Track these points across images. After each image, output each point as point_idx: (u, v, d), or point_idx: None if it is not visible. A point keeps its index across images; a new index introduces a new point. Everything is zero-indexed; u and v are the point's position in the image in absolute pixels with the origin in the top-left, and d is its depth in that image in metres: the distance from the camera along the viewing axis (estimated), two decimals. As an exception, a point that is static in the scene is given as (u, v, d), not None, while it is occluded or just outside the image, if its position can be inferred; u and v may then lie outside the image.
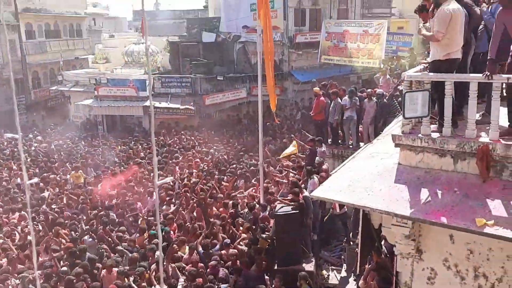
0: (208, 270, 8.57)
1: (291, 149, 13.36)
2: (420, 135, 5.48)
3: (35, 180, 11.28)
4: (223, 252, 9.25)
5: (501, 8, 5.43)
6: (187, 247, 9.49)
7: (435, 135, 5.44)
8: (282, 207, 9.55)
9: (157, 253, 8.94)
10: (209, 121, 22.93)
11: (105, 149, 19.15)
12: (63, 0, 35.37)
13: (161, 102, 22.91)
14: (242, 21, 24.84)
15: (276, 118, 12.98)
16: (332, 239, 11.32)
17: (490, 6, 6.50)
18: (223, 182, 12.83)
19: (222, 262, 8.94)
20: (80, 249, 9.44)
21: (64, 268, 8.89)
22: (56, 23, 35.10)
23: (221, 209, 11.15)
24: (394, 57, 19.31)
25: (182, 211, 11.13)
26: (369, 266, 7.25)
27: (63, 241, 10.14)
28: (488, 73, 5.11)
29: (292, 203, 9.34)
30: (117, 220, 11.15)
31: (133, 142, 20.22)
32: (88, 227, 10.65)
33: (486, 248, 4.93)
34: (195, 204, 11.20)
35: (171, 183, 12.93)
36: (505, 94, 5.46)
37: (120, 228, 10.55)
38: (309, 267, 9.21)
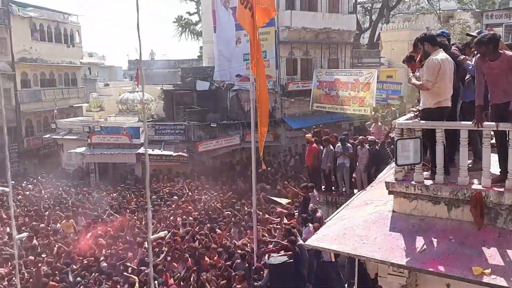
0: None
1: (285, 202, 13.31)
2: (413, 182, 5.50)
3: (25, 234, 11.04)
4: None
5: (478, 55, 5.61)
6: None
7: (428, 182, 5.46)
8: (276, 256, 9.41)
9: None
10: (202, 167, 22.90)
11: (97, 197, 18.93)
12: (59, 50, 36.12)
13: (154, 150, 22.93)
14: (235, 70, 25.39)
15: (263, 165, 12.93)
16: (327, 289, 11.05)
17: (475, 57, 6.71)
18: (216, 230, 12.62)
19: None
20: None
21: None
22: (51, 72, 35.64)
23: (215, 258, 10.92)
24: (385, 105, 19.69)
25: (174, 263, 10.87)
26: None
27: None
28: (477, 121, 5.21)
29: (286, 252, 9.20)
30: (108, 270, 10.85)
31: (125, 190, 20.02)
32: (79, 278, 10.33)
33: (485, 297, 4.83)
34: (187, 255, 10.96)
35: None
36: (494, 142, 5.54)
37: (114, 278, 10.25)
38: (305, 319, 8.96)
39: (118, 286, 9.99)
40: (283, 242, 9.87)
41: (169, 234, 12.31)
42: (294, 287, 9.15)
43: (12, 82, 31.04)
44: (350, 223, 5.84)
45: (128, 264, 11.15)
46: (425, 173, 5.63)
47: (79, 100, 36.33)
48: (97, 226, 14.48)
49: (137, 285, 9.91)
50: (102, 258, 11.60)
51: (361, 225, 5.67)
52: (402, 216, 5.54)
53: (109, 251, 12.17)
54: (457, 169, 5.42)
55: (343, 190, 12.92)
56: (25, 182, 23.28)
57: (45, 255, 12.10)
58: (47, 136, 30.11)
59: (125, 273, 10.56)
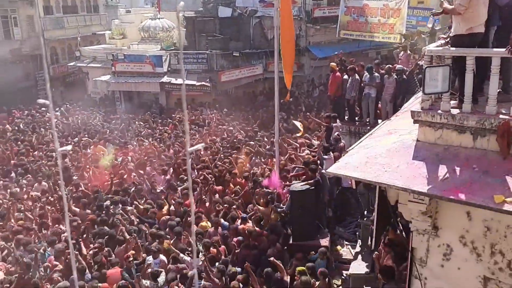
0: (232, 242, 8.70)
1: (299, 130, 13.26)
2: (439, 111, 5.40)
3: (68, 147, 11.41)
4: (241, 226, 9.39)
5: None
6: (205, 222, 9.66)
7: (454, 111, 5.36)
8: (298, 183, 9.63)
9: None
10: (225, 97, 22.90)
11: (124, 125, 19.35)
12: (80, -25, 35.29)
13: (177, 79, 22.94)
14: (258, -5, 24.52)
15: (288, 96, 12.82)
16: (347, 215, 11.37)
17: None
18: (239, 159, 12.87)
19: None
20: (102, 220, 9.72)
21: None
22: (73, -2, 35.13)
23: (243, 180, 11.25)
24: (415, 32, 18.87)
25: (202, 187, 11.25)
26: (384, 242, 7.28)
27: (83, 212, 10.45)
28: (511, 48, 4.98)
29: (308, 180, 9.40)
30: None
31: (151, 119, 20.40)
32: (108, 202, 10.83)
33: (504, 225, 4.89)
34: (212, 181, 11.30)
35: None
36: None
37: (147, 201, 10.74)
38: (324, 242, 9.32)
39: (149, 206, 10.49)
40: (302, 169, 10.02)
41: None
42: (314, 212, 9.44)
43: (35, 8, 30.77)
44: (372, 152, 5.86)
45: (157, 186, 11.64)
46: (452, 102, 5.52)
47: (101, 28, 35.98)
48: (126, 152, 14.98)
49: (165, 207, 10.39)
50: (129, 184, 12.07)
51: (383, 153, 5.69)
52: (426, 145, 5.51)
53: (137, 176, 12.65)
54: (486, 98, 5.28)
55: (367, 120, 12.84)
56: (64, 107, 23.82)
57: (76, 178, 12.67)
58: (72, 64, 30.29)
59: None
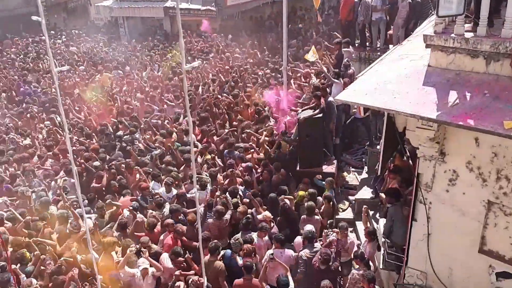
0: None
1: (312, 57, 12.89)
2: (453, 35, 5.20)
3: (65, 67, 11.61)
4: (248, 156, 9.53)
5: None
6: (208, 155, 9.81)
7: (468, 35, 5.16)
8: (304, 111, 9.60)
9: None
10: (231, 23, 22.22)
11: (128, 52, 19.07)
12: None
13: (181, 3, 22.12)
14: None
15: (319, 17, 12.36)
16: (354, 143, 11.45)
17: None
18: (247, 88, 12.74)
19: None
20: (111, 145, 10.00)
21: (96, 163, 9.45)
22: None
23: (251, 110, 11.25)
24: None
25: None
26: (390, 168, 7.38)
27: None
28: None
29: (315, 107, 9.35)
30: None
31: (155, 46, 20.02)
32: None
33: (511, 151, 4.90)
34: (221, 111, 11.30)
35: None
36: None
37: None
38: (330, 169, 9.48)
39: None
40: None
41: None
42: (321, 140, 9.50)
43: None
44: (382, 78, 5.74)
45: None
46: (466, 25, 5.29)
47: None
48: (132, 82, 14.90)
49: (174, 135, 10.51)
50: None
51: (393, 79, 5.57)
52: (437, 70, 5.37)
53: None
54: (502, 21, 5.06)
55: (377, 45, 12.50)
56: (59, 35, 23.44)
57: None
58: (73, -12, 29.31)
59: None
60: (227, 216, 7.59)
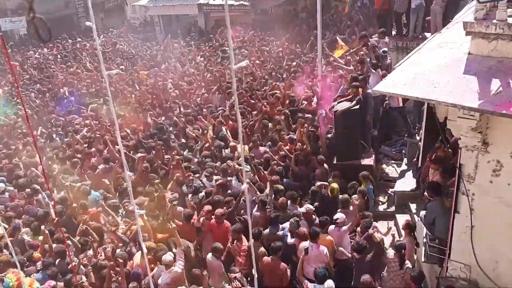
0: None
1: (339, 51, 12.71)
2: (494, 20, 5.03)
3: (115, 71, 12.11)
4: (287, 147, 9.56)
5: None
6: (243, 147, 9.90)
7: (511, 20, 4.99)
8: (341, 103, 9.52)
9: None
10: (265, 16, 22.21)
11: (166, 49, 19.45)
12: None
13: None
14: None
15: (347, 8, 12.15)
16: (393, 134, 11.26)
17: None
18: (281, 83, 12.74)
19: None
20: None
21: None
22: None
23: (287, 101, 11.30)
24: None
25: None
26: (431, 159, 7.23)
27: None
28: None
29: (352, 99, 9.26)
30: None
31: (190, 41, 20.32)
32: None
33: (559, 138, 4.73)
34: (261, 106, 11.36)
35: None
36: None
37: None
38: (369, 161, 9.36)
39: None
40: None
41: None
42: (359, 133, 9.39)
43: None
44: (421, 68, 5.62)
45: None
46: (509, 10, 5.11)
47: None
48: (165, 78, 15.25)
49: (210, 129, 10.69)
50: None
51: (433, 69, 5.45)
52: (478, 58, 5.22)
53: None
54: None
55: (415, 34, 12.21)
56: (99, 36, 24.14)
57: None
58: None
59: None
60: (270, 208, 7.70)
